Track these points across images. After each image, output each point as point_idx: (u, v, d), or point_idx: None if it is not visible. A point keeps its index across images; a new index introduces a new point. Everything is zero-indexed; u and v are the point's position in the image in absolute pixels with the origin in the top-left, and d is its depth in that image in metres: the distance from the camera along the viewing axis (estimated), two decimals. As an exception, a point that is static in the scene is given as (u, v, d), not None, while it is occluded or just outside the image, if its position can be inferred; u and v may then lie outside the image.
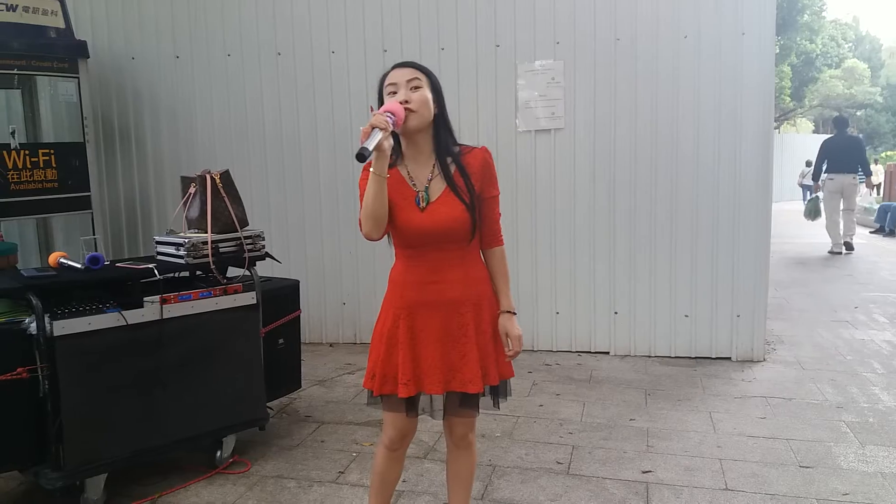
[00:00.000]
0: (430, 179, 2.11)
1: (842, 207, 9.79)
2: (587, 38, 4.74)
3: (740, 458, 3.27)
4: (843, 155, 9.58)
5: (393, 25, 5.04)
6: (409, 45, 5.01)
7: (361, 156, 1.82)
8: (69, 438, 2.65)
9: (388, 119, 1.92)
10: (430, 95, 2.08)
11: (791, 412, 3.84)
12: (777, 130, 27.95)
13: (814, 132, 34.98)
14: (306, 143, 5.30)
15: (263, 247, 3.27)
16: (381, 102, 2.11)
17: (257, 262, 3.27)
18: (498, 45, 4.92)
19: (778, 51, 20.30)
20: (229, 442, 3.22)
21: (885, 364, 4.66)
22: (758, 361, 4.72)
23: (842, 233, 9.88)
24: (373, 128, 1.88)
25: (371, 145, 1.85)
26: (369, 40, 5.09)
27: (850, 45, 37.16)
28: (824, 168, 9.72)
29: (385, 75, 2.12)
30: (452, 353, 2.14)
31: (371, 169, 1.96)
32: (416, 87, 2.06)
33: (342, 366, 4.83)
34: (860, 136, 9.89)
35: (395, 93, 2.05)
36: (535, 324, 5.04)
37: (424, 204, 2.08)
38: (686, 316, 4.82)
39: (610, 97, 4.74)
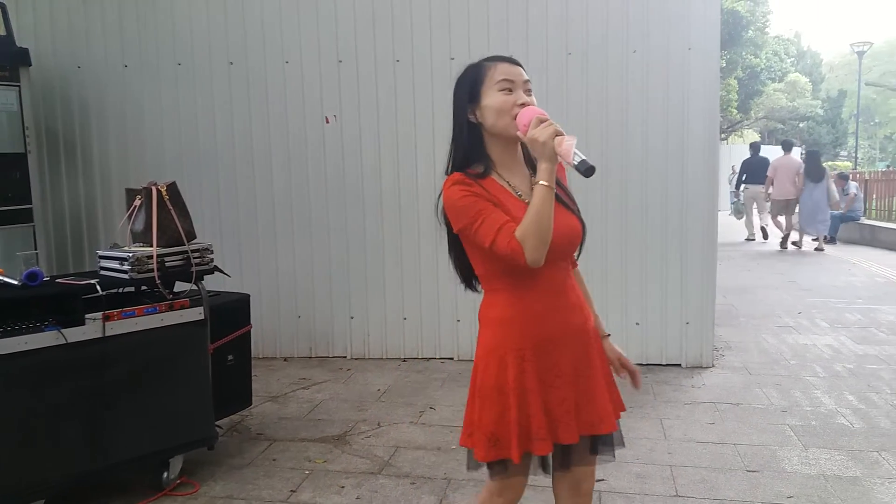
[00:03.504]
0: (533, 188, 1.80)
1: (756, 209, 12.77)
2: (540, 52, 4.80)
3: (690, 464, 3.33)
4: (755, 170, 12.30)
5: (348, 36, 5.03)
6: (364, 56, 5.01)
7: (592, 169, 1.63)
8: (3, 464, 2.54)
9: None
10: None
11: (738, 417, 3.93)
12: (725, 141, 28.71)
13: (760, 143, 36.01)
14: (259, 154, 5.23)
15: (212, 260, 3.20)
16: (470, 92, 1.83)
17: (206, 277, 3.20)
18: (453, 58, 4.94)
19: (724, 65, 20.88)
20: (176, 463, 3.14)
21: (827, 368, 4.81)
22: (707, 367, 4.82)
23: (758, 225, 12.66)
24: (557, 136, 1.67)
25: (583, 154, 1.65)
26: (324, 51, 5.06)
27: (793, 59, 38.46)
28: (744, 179, 12.71)
29: (484, 65, 1.83)
30: (581, 392, 1.85)
31: (543, 181, 1.68)
32: (530, 92, 1.82)
33: (296, 381, 4.76)
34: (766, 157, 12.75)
35: (509, 90, 1.78)
36: (490, 334, 5.04)
37: None
38: (637, 324, 4.89)
39: (562, 109, 4.80)
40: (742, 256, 10.89)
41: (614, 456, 1.93)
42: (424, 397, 4.36)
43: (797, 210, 11.66)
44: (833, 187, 11.78)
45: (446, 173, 1.87)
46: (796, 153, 12.80)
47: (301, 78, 5.11)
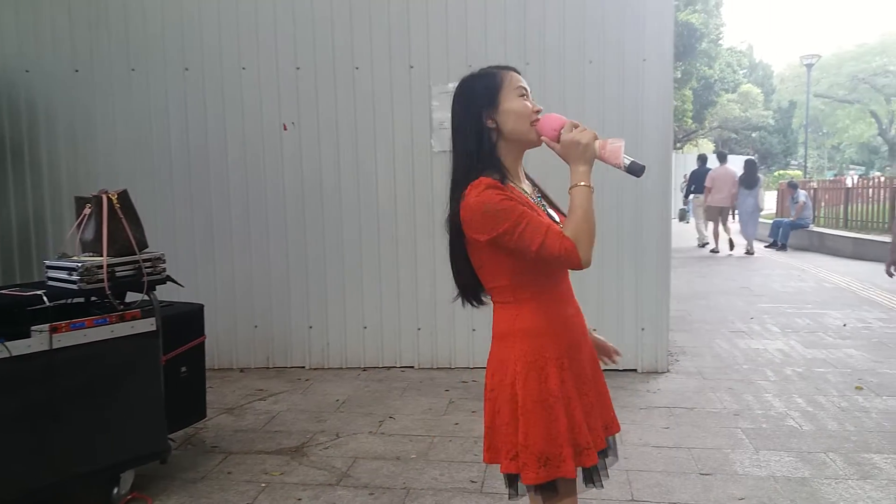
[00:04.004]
0: (539, 196, 1.91)
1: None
2: (498, 62, 4.82)
3: (645, 468, 3.38)
4: (702, 181, 12.80)
5: (306, 43, 5.00)
6: (322, 63, 4.99)
7: (643, 169, 1.74)
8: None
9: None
10: None
11: (692, 421, 4.00)
12: (681, 150, 29.30)
13: (714, 152, 36.87)
14: (215, 161, 5.16)
15: (164, 270, 3.14)
16: (488, 97, 1.81)
17: (158, 287, 3.14)
18: (412, 67, 4.95)
19: (679, 76, 21.35)
20: (127, 477, 3.06)
21: (777, 372, 4.93)
22: (662, 373, 4.90)
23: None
24: (596, 139, 1.74)
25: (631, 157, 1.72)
26: (282, 57, 5.02)
27: (745, 71, 39.52)
28: (692, 189, 13.62)
29: (498, 72, 1.84)
30: (598, 394, 1.89)
31: (584, 183, 1.74)
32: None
33: (253, 392, 4.69)
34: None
35: (525, 96, 1.82)
36: (453, 341, 5.06)
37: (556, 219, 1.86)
38: (594, 329, 4.90)
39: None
40: (696, 263, 11.13)
41: (617, 455, 1.97)
42: (384, 407, 4.34)
43: (733, 216, 12.89)
44: (762, 194, 12.97)
45: (459, 182, 1.78)
46: (732, 162, 13.89)
47: (258, 84, 5.06)
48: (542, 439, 1.71)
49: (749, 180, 12.22)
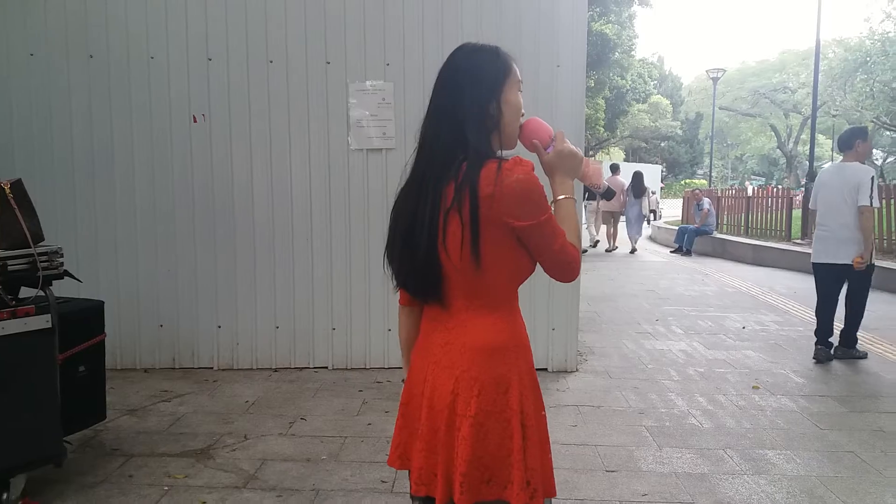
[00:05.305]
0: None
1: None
2: (417, 62, 4.85)
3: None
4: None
5: (218, 33, 4.86)
6: (235, 55, 4.86)
7: (611, 191, 1.65)
8: None
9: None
10: None
11: (599, 419, 4.12)
12: (593, 157, 30.19)
13: (625, 160, 38.26)
14: (120, 153, 4.94)
15: (62, 264, 2.98)
16: (499, 79, 1.61)
17: (55, 282, 2.98)
18: (329, 63, 4.89)
19: (593, 85, 21.98)
20: (18, 482, 2.88)
21: (680, 371, 5.15)
22: (571, 372, 5.03)
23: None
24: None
25: None
26: (192, 48, 4.86)
27: (656, 82, 41.12)
28: (585, 196, 13.53)
29: (508, 58, 1.64)
30: None
31: (569, 195, 1.64)
32: None
33: (157, 393, 4.52)
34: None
35: (520, 92, 1.65)
36: (368, 341, 5.03)
37: None
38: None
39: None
40: (605, 267, 11.48)
41: None
42: (295, 408, 4.26)
43: (622, 220, 14.71)
44: (647, 203, 15.00)
45: (474, 161, 1.51)
46: (646, 171, 16.22)
47: (167, 75, 4.88)
48: (544, 460, 1.66)
49: (636, 190, 14.10)
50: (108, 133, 4.92)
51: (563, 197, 1.62)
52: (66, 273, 3.03)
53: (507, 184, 1.47)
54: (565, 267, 1.56)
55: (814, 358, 5.44)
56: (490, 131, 1.59)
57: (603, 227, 14.77)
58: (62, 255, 3.00)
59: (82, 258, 4.85)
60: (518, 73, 1.63)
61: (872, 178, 5.09)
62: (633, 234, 14.25)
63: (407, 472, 1.69)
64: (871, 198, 5.03)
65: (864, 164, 5.35)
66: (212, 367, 5.05)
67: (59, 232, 4.75)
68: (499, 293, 1.59)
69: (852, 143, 5.28)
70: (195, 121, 4.90)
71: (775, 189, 15.10)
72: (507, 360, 1.58)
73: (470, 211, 1.48)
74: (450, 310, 1.60)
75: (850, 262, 5.13)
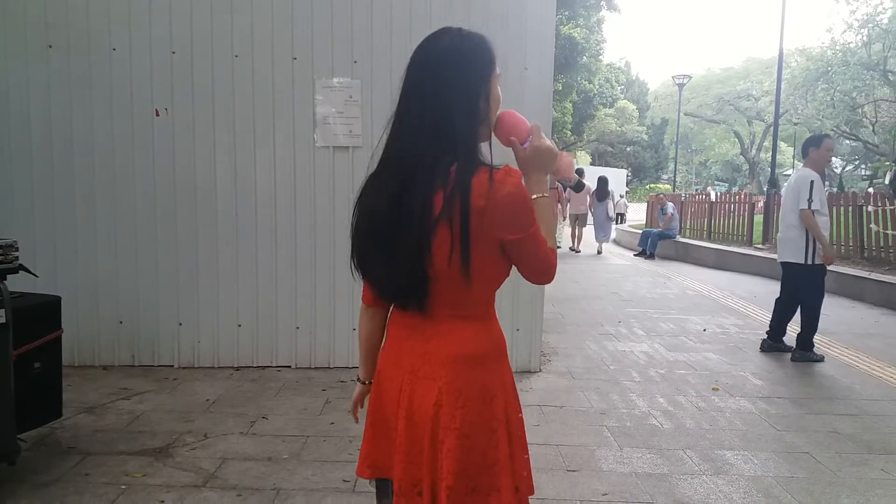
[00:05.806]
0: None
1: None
2: (384, 60, 4.84)
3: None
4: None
5: (182, 25, 4.78)
6: (199, 48, 4.79)
7: (582, 185, 1.59)
8: None
9: None
10: None
11: (561, 419, 4.16)
12: (565, 151, 30.43)
13: (591, 164, 38.68)
14: (80, 146, 4.83)
15: (17, 258, 2.92)
16: (488, 72, 1.53)
17: (9, 276, 2.90)
18: (295, 58, 4.85)
19: (561, 88, 22.18)
20: (-33, 481, 2.82)
21: (642, 373, 5.22)
22: (535, 372, 5.06)
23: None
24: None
25: None
26: (156, 39, 4.78)
27: (622, 87, 41.68)
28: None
29: (493, 51, 1.56)
30: None
31: (545, 193, 1.58)
32: None
33: (116, 391, 4.43)
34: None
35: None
36: (332, 340, 4.99)
37: None
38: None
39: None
40: (570, 269, 11.59)
41: None
42: (257, 407, 4.22)
43: (589, 222, 15.15)
44: (611, 206, 15.20)
45: (475, 165, 1.46)
46: (610, 174, 17.05)
47: (129, 68, 4.79)
48: (526, 461, 1.63)
49: (601, 193, 14.60)
50: (67, 126, 4.81)
51: (539, 196, 1.56)
52: (22, 267, 2.97)
53: (498, 198, 1.42)
54: (544, 272, 1.54)
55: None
56: (479, 124, 1.52)
57: (567, 230, 15.20)
58: (17, 249, 2.94)
59: (39, 253, 4.74)
60: (497, 67, 1.57)
61: (812, 182, 5.40)
62: (601, 237, 14.72)
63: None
64: (809, 201, 5.35)
65: (822, 170, 5.70)
66: (172, 365, 4.97)
67: (15, 225, 4.64)
68: (480, 302, 1.56)
69: (806, 150, 5.68)
70: (157, 115, 4.82)
71: (737, 195, 15.40)
72: (490, 369, 1.56)
73: (461, 223, 1.42)
74: (431, 318, 1.54)
75: (789, 261, 5.52)
